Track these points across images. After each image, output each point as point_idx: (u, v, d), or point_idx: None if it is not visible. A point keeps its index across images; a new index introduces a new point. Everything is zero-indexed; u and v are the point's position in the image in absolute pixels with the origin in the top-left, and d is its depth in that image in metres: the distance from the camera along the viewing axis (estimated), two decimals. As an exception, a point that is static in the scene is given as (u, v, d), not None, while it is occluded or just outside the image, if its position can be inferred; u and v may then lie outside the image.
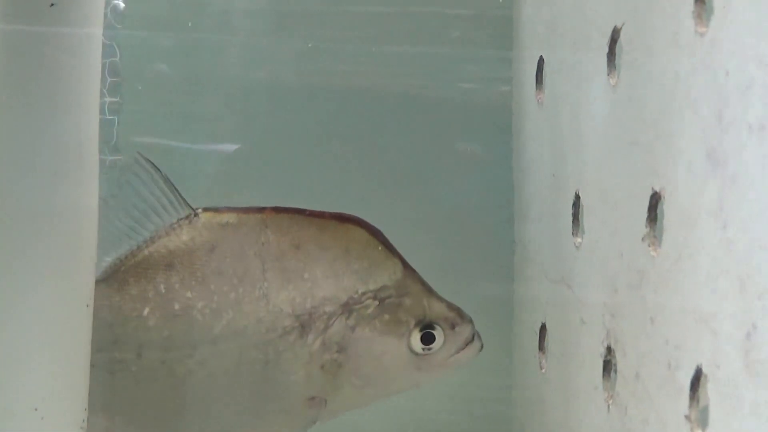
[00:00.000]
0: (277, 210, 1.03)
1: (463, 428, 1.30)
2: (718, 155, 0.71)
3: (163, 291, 1.01)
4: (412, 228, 1.29)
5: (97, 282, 0.95)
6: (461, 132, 1.32)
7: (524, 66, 1.20)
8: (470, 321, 1.05)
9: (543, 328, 1.11)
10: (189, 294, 1.01)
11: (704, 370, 0.72)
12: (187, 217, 1.02)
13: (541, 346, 1.11)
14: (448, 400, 1.30)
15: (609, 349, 0.90)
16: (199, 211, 1.03)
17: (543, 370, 1.11)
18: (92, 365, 0.93)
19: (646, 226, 0.84)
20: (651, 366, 0.81)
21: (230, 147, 1.32)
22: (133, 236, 1.02)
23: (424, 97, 1.33)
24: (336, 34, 1.31)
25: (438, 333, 1.04)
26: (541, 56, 1.13)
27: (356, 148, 1.29)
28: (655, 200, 0.83)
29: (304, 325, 1.03)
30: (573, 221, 1.02)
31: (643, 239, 0.84)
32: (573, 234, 1.02)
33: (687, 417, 0.74)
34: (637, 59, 0.86)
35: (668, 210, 0.80)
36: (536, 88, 1.14)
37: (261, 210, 1.03)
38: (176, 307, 1.01)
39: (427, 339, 1.04)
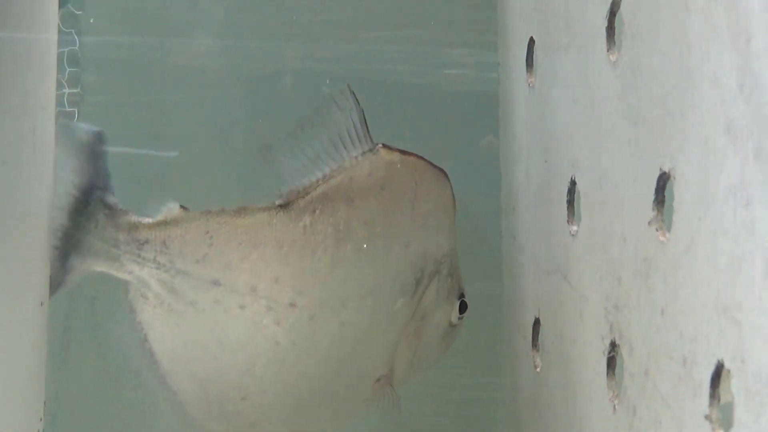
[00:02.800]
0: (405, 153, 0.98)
1: (451, 431, 1.24)
2: (738, 128, 0.65)
3: (342, 229, 0.94)
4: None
5: (278, 208, 0.93)
6: (444, 121, 1.27)
7: (512, 49, 1.14)
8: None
9: (536, 324, 1.05)
10: (361, 234, 0.95)
11: (726, 365, 0.66)
12: (370, 150, 0.96)
13: (535, 344, 1.06)
14: (433, 401, 1.24)
15: (613, 345, 0.84)
16: (379, 146, 0.96)
17: (537, 369, 1.05)
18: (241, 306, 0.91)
19: (652, 210, 0.78)
20: (663, 362, 0.75)
21: (171, 154, 1.26)
22: (318, 164, 0.95)
23: (404, 84, 1.27)
24: (314, 18, 1.25)
25: (467, 302, 1.03)
26: (531, 37, 1.08)
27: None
28: (663, 181, 0.77)
29: (418, 283, 0.97)
30: (568, 208, 0.97)
31: (649, 224, 0.78)
32: (568, 222, 0.97)
33: (707, 417, 0.68)
34: (641, 31, 0.80)
35: (679, 191, 0.74)
36: (527, 71, 1.09)
37: (412, 156, 0.98)
38: (347, 249, 0.94)
39: (462, 308, 1.02)
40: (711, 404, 0.67)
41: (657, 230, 0.77)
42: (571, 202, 0.96)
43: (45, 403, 0.96)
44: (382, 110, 1.25)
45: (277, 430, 0.98)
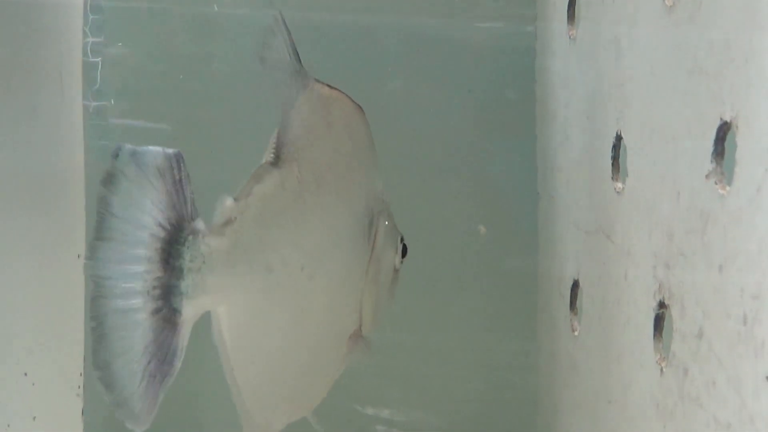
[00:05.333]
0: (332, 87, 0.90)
1: (484, 397, 1.21)
2: (813, 71, 0.61)
3: (316, 176, 0.87)
4: (425, 179, 1.22)
5: (271, 167, 0.84)
6: (476, 78, 1.22)
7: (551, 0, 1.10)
8: None
9: (575, 286, 1.01)
10: (329, 178, 0.88)
11: (795, 321, 0.62)
12: (307, 86, 0.87)
13: (573, 306, 1.02)
14: (464, 366, 1.20)
15: (662, 305, 0.80)
16: (313, 81, 0.88)
17: (575, 333, 1.01)
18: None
19: (711, 162, 0.74)
20: (719, 321, 0.71)
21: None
22: (279, 105, 0.87)
23: (436, 38, 1.23)
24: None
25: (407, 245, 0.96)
26: (574, -14, 1.04)
27: (361, 92, 1.19)
28: (723, 132, 0.73)
29: (371, 224, 0.91)
30: (613, 165, 0.93)
31: (707, 177, 0.74)
32: (613, 179, 0.93)
33: (772, 377, 0.64)
34: (700, -26, 0.76)
35: (742, 141, 0.70)
36: (568, 23, 1.05)
37: (337, 90, 0.90)
38: (324, 197, 0.88)
39: (404, 252, 0.96)
40: (776, 364, 0.64)
41: (716, 183, 0.73)
42: (616, 158, 0.93)
43: (84, 359, 0.92)
44: (410, 66, 1.22)
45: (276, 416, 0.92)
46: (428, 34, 1.22)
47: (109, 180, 0.79)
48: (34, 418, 0.86)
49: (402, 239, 0.95)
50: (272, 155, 0.86)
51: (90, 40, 1.19)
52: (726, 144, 0.73)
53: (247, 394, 0.85)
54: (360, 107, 0.91)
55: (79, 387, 0.91)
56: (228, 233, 0.82)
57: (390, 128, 1.20)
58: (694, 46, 0.77)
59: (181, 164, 0.80)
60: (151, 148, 0.80)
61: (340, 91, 0.90)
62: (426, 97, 1.22)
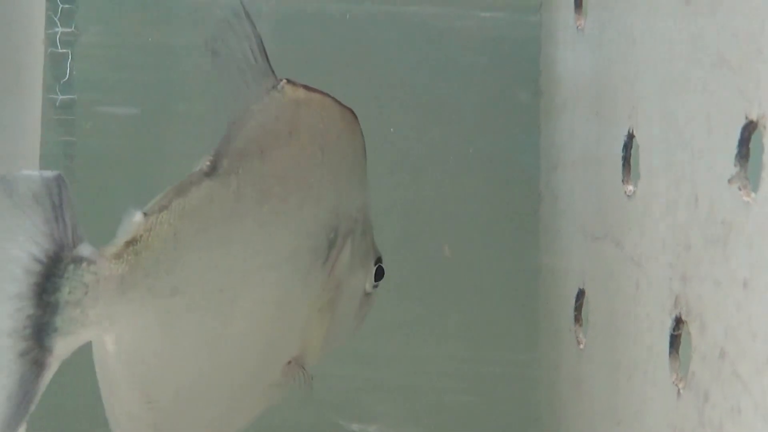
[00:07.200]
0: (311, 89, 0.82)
1: (482, 411, 1.15)
2: None
3: (260, 189, 0.80)
4: (424, 171, 1.16)
5: (205, 175, 0.77)
6: (478, 69, 1.17)
7: (558, -11, 1.05)
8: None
9: (580, 295, 0.95)
10: (276, 193, 0.80)
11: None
12: (274, 87, 0.80)
13: (578, 317, 0.96)
14: (461, 377, 1.15)
15: (679, 320, 0.74)
16: (283, 82, 0.80)
17: (581, 346, 0.95)
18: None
19: (734, 165, 0.68)
20: (744, 342, 0.65)
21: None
22: (229, 108, 0.80)
23: (435, 28, 1.17)
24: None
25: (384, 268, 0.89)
26: (582, -27, 0.98)
27: (362, 81, 1.13)
28: (748, 132, 0.67)
29: (331, 245, 0.83)
30: (624, 165, 0.87)
31: (730, 181, 0.68)
32: (623, 181, 0.87)
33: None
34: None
35: (770, 142, 0.63)
36: (575, 12, 1.00)
37: (318, 92, 0.82)
38: (266, 212, 0.80)
39: (379, 275, 0.88)
40: (812, 394, 0.57)
41: (740, 189, 0.67)
42: (627, 159, 0.87)
43: None
44: (410, 56, 1.16)
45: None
46: (429, 23, 1.16)
47: None
48: None
49: (378, 260, 0.88)
50: (208, 164, 0.78)
51: (59, 30, 1.12)
52: (751, 146, 0.67)
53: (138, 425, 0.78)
54: (350, 113, 0.84)
55: None
56: (126, 255, 0.75)
57: (385, 124, 1.15)
58: (718, 38, 0.70)
59: (62, 187, 0.72)
60: (26, 173, 0.72)
61: (323, 93, 0.82)
62: (425, 86, 1.17)
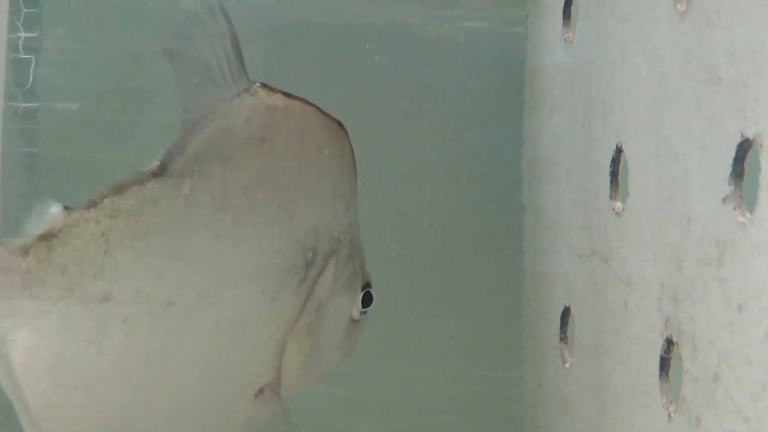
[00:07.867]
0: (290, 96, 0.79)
1: (467, 431, 1.13)
2: None
3: (220, 197, 0.76)
4: (406, 184, 1.14)
5: (152, 175, 0.74)
6: (462, 80, 1.15)
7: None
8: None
9: (566, 313, 0.94)
10: (240, 203, 0.77)
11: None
12: (246, 90, 0.76)
13: (564, 335, 0.95)
14: (443, 396, 1.14)
15: (669, 342, 0.73)
16: (256, 86, 0.77)
17: (566, 365, 0.94)
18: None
19: (729, 184, 0.66)
20: (738, 367, 0.63)
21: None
22: (187, 108, 0.77)
23: (418, 38, 1.16)
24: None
25: (373, 293, 0.85)
26: (571, -16, 0.97)
27: (344, 92, 1.11)
28: (743, 150, 0.66)
29: (309, 265, 0.80)
30: (611, 181, 0.86)
31: (724, 201, 0.67)
32: (611, 197, 0.86)
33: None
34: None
35: (767, 161, 0.61)
36: (563, 24, 0.98)
37: (299, 100, 0.79)
38: (226, 223, 0.76)
39: (367, 301, 0.84)
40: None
41: (735, 209, 0.66)
42: (615, 174, 0.85)
43: None
44: (394, 66, 1.14)
45: None
46: (413, 33, 1.15)
47: None
48: None
49: (367, 285, 0.84)
50: (158, 164, 0.75)
51: (22, 35, 1.09)
52: (746, 164, 0.65)
53: None
54: (337, 126, 0.80)
55: None
56: (37, 249, 0.72)
57: (370, 132, 1.13)
58: (713, 54, 0.69)
59: None
60: None
61: (306, 102, 0.79)
62: (407, 97, 1.15)
